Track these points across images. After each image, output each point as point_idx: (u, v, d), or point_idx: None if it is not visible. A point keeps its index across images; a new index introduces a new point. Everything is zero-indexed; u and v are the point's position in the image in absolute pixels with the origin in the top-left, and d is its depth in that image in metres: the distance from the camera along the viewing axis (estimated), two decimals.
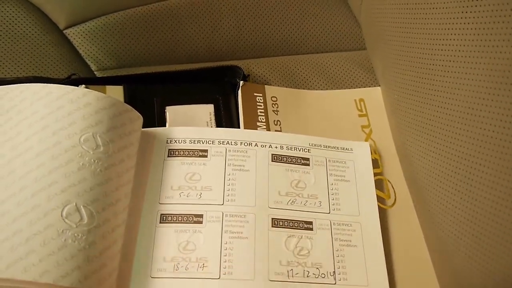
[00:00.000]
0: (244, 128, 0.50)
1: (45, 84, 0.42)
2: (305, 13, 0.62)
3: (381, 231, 0.45)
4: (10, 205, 0.36)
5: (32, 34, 0.55)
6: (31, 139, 0.39)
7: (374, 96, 0.55)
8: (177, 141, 0.46)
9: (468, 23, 0.37)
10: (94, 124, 0.41)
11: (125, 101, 0.50)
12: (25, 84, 0.43)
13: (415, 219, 0.47)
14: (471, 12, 0.36)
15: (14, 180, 0.37)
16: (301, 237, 0.43)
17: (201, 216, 0.43)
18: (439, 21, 0.40)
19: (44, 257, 0.35)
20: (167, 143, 0.46)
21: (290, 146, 0.47)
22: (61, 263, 0.35)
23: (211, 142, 0.47)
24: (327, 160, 0.48)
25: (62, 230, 0.36)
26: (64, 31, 0.57)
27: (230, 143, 0.47)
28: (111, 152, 0.41)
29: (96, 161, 0.40)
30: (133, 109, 0.44)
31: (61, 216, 0.36)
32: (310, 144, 0.48)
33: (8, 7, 0.56)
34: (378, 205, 0.46)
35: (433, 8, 0.41)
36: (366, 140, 0.51)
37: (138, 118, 0.45)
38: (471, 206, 0.37)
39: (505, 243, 0.34)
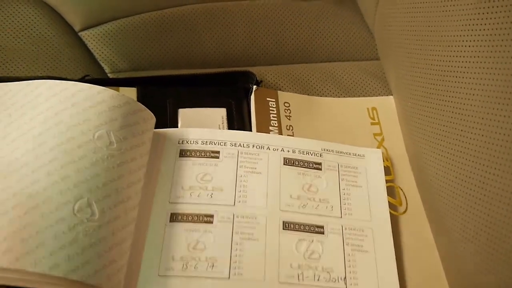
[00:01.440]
0: (257, 132, 0.50)
1: (61, 80, 0.43)
2: (318, 22, 0.62)
3: (393, 238, 0.45)
4: (23, 198, 0.36)
5: (48, 36, 0.55)
6: (45, 134, 0.39)
7: (386, 105, 0.55)
8: (189, 142, 0.46)
9: (484, 30, 0.37)
10: (108, 121, 0.41)
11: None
12: (40, 80, 0.43)
13: (426, 227, 0.47)
14: (486, 19, 0.36)
15: (27, 174, 0.37)
16: (312, 240, 0.43)
17: (211, 216, 0.42)
18: (453, 28, 0.40)
19: (55, 251, 0.34)
20: (179, 143, 0.46)
21: (302, 150, 0.47)
22: (72, 257, 0.35)
23: (223, 143, 0.47)
24: (339, 165, 0.47)
25: (74, 225, 0.36)
26: (79, 33, 0.58)
27: (242, 145, 0.47)
28: (124, 150, 0.41)
29: (109, 157, 0.40)
30: (146, 108, 0.45)
31: (73, 210, 0.36)
32: (323, 149, 0.48)
33: (25, 8, 0.56)
34: (390, 212, 0.46)
35: (448, 16, 0.41)
36: (378, 148, 0.51)
37: (151, 118, 0.45)
38: (486, 211, 0.37)
39: None
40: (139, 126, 0.43)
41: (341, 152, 0.48)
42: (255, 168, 0.46)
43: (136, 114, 0.43)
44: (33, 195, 0.36)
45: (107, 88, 0.43)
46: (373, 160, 0.49)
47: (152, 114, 0.45)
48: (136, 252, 0.40)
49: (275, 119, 0.51)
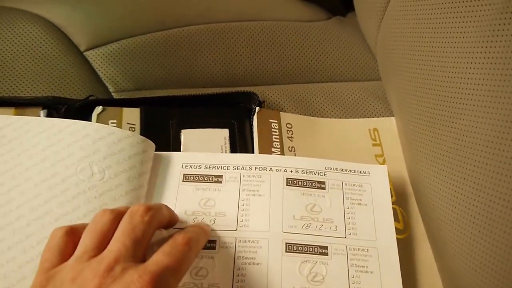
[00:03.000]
0: (259, 154, 0.50)
1: (50, 118, 0.46)
2: (320, 43, 0.63)
3: None
4: (6, 234, 0.38)
5: (53, 55, 0.56)
6: (31, 169, 0.42)
7: (388, 126, 0.56)
8: (192, 166, 0.46)
9: (489, 58, 0.37)
10: (92, 154, 0.43)
11: (141, 123, 0.50)
12: (29, 117, 0.45)
13: (428, 250, 0.47)
14: (492, 47, 0.37)
15: (12, 209, 0.39)
16: (316, 262, 0.42)
17: (214, 242, 0.42)
18: (458, 55, 0.40)
19: None
20: (182, 167, 0.46)
21: (305, 170, 0.47)
22: None
23: (226, 167, 0.47)
24: (344, 184, 0.47)
25: None
26: (85, 53, 0.58)
27: (244, 168, 0.47)
28: (107, 178, 0.42)
29: (90, 188, 0.41)
30: (136, 134, 0.46)
31: None
32: (326, 168, 0.48)
33: (31, 27, 0.57)
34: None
35: (453, 42, 0.41)
36: None
37: (143, 142, 0.45)
38: (489, 240, 0.37)
39: None
40: (125, 152, 0.44)
41: (345, 170, 0.48)
42: (258, 191, 0.46)
43: (122, 141, 0.44)
44: (17, 231, 0.38)
45: (93, 123, 0.46)
46: (379, 177, 0.48)
47: (144, 138, 0.46)
48: None
49: (278, 140, 0.52)
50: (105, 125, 0.46)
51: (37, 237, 0.38)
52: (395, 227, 0.47)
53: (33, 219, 0.39)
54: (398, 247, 0.46)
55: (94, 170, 0.42)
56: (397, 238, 0.46)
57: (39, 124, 0.44)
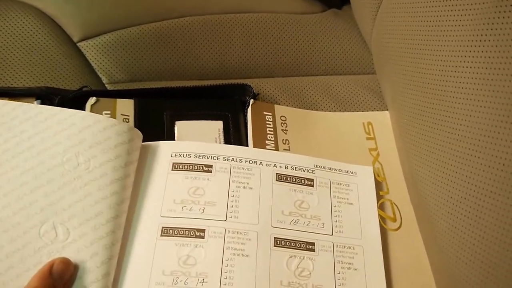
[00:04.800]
0: (253, 146, 0.50)
1: (36, 105, 0.45)
2: (315, 35, 0.63)
3: (385, 254, 0.45)
4: None
5: (47, 46, 0.56)
6: (18, 157, 0.41)
7: (382, 120, 0.56)
8: (182, 155, 0.46)
9: (482, 52, 0.37)
10: (78, 143, 0.42)
11: (135, 114, 0.50)
12: (17, 102, 0.45)
13: (420, 243, 0.47)
14: (485, 40, 0.37)
15: None
16: (303, 258, 0.43)
17: (203, 231, 0.42)
18: (451, 48, 0.41)
19: (21, 273, 0.37)
20: (171, 156, 0.46)
21: (294, 166, 0.47)
22: None
23: (216, 158, 0.47)
24: (331, 182, 0.48)
25: (39, 248, 0.38)
26: (78, 44, 0.58)
27: (235, 160, 0.47)
28: (92, 168, 0.42)
29: (76, 179, 0.41)
30: (122, 122, 0.46)
31: (39, 234, 0.39)
32: (315, 166, 0.48)
33: (24, 18, 0.57)
34: (384, 228, 0.46)
35: (446, 36, 0.41)
36: (373, 163, 0.52)
37: (129, 130, 0.45)
38: (480, 233, 0.37)
39: None
40: (111, 141, 0.43)
41: (333, 169, 0.48)
42: (248, 184, 0.46)
43: (108, 130, 0.44)
44: (3, 219, 0.39)
45: (80, 111, 0.45)
46: (365, 178, 0.49)
47: (131, 126, 0.45)
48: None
49: (272, 133, 0.52)
50: (91, 113, 0.45)
51: (23, 227, 0.38)
52: (388, 220, 0.47)
53: (19, 208, 0.39)
54: (390, 240, 0.46)
55: (79, 160, 0.42)
56: (389, 231, 0.47)
57: (26, 111, 0.43)
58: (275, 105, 0.54)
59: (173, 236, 0.42)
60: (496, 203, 0.36)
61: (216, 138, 0.51)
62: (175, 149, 0.47)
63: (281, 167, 0.47)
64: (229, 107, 0.53)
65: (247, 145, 0.51)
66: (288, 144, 0.51)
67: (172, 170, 0.45)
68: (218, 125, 0.52)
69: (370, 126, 0.55)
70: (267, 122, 0.52)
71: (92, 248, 0.39)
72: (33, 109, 0.44)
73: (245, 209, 0.44)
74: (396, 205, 0.49)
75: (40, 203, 0.40)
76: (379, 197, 0.49)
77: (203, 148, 0.47)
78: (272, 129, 0.52)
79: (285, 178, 0.47)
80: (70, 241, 0.39)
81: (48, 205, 0.40)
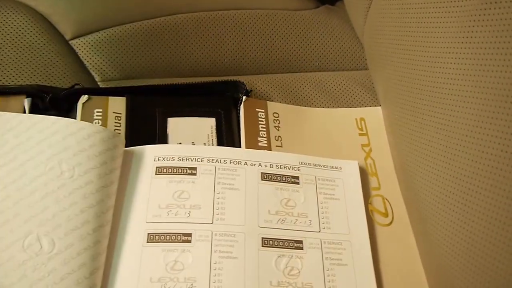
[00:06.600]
0: (245, 143, 0.50)
1: (18, 114, 0.44)
2: (308, 32, 0.63)
3: (377, 249, 0.45)
4: None
5: (38, 43, 0.56)
6: (0, 170, 0.40)
7: (374, 115, 0.56)
8: (165, 159, 0.46)
9: (469, 48, 0.37)
10: (62, 151, 0.41)
11: (127, 112, 0.50)
12: None
13: (411, 239, 0.47)
14: (472, 37, 0.37)
15: None
16: (292, 256, 0.43)
17: (189, 235, 0.42)
18: (439, 45, 0.41)
19: None
20: (155, 160, 0.46)
21: (279, 165, 0.47)
22: None
23: (200, 159, 0.46)
24: (317, 179, 0.48)
25: (23, 261, 0.37)
26: (70, 42, 0.58)
27: (219, 161, 0.46)
28: (76, 176, 0.41)
29: (59, 188, 0.40)
30: (107, 129, 0.45)
31: (22, 247, 0.38)
32: (300, 163, 0.48)
33: (15, 16, 0.56)
34: (375, 223, 0.46)
35: (434, 32, 0.42)
36: (366, 159, 0.52)
37: (114, 137, 0.44)
38: (467, 227, 0.37)
39: (501, 265, 0.34)
40: (95, 148, 0.43)
41: (318, 165, 0.48)
42: (233, 185, 0.45)
43: (92, 137, 0.43)
44: None
45: (63, 118, 0.44)
46: (350, 172, 0.49)
47: (116, 133, 0.45)
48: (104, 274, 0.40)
49: (264, 129, 0.52)
50: (74, 120, 0.45)
51: (7, 241, 0.37)
52: (379, 216, 0.48)
53: (1, 222, 0.38)
54: (382, 235, 0.47)
55: (63, 168, 0.41)
56: (381, 226, 0.47)
57: (8, 121, 0.42)
58: (267, 101, 0.55)
59: (159, 242, 0.41)
60: (483, 198, 0.36)
61: (208, 135, 0.51)
62: (158, 153, 0.46)
63: (266, 166, 0.47)
64: (221, 104, 0.53)
65: (239, 142, 0.51)
66: (280, 140, 0.52)
67: (156, 174, 0.45)
68: (211, 122, 0.52)
69: (362, 122, 0.55)
70: (259, 118, 0.52)
71: (79, 259, 0.38)
72: (15, 118, 0.43)
73: (231, 211, 0.44)
74: (387, 201, 0.49)
75: (23, 215, 0.39)
76: (371, 192, 0.49)
77: (186, 151, 0.47)
78: (264, 126, 0.52)
79: (271, 177, 0.47)
80: (56, 252, 0.38)
81: (31, 217, 0.39)
